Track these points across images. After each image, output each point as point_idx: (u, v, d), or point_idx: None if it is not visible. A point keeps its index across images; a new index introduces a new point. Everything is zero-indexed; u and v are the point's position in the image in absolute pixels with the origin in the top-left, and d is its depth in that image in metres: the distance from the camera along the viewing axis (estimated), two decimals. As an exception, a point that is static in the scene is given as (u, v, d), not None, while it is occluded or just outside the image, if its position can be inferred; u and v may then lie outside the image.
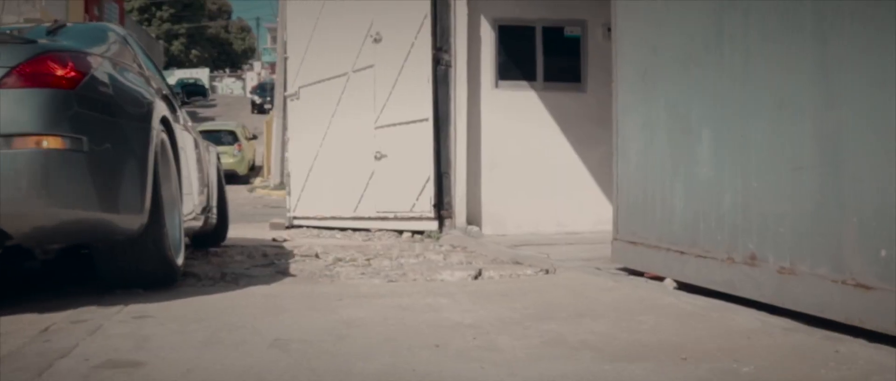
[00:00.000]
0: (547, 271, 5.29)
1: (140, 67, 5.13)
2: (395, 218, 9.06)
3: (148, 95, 4.58)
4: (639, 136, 5.04)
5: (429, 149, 8.62)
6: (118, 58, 4.60)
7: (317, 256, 6.69)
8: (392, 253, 6.97)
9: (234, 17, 71.21)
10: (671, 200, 4.58)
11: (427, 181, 8.65)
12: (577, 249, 7.14)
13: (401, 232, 9.01)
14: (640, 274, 4.96)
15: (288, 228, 10.74)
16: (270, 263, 6.18)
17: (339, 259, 6.42)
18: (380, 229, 9.28)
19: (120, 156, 4.05)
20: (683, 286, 4.45)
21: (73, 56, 3.96)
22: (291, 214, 10.86)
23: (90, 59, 4.08)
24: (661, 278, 4.68)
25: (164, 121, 4.70)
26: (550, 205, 8.93)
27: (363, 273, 5.49)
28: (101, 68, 4.15)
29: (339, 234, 9.58)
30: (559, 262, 5.76)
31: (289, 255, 6.85)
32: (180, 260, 4.77)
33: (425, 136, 8.65)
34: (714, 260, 4.04)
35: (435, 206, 8.60)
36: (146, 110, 4.42)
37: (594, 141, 9.04)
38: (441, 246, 7.61)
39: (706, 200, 4.18)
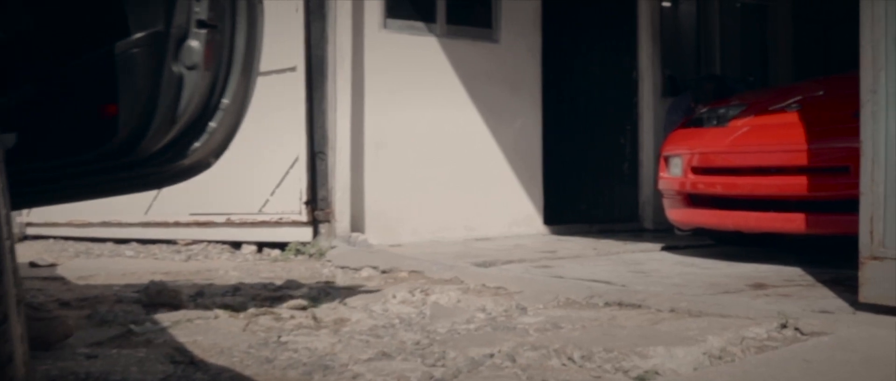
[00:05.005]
0: (784, 326, 2.62)
1: None
2: (229, 223, 5.84)
3: None
4: None
5: (298, 115, 5.55)
6: None
7: (180, 306, 3.48)
8: (308, 290, 3.94)
9: None
10: None
11: (293, 165, 5.56)
12: (583, 265, 4.49)
13: (238, 244, 5.81)
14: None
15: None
16: (124, 331, 2.96)
17: (231, 309, 3.32)
18: (196, 241, 6.02)
19: None
20: None
21: None
22: (23, 219, 7.14)
23: None
24: None
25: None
26: (456, 201, 6.20)
27: (405, 361, 2.49)
28: None
29: (126, 249, 6.15)
30: (685, 298, 3.12)
31: (118, 302, 3.62)
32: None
33: (291, 94, 5.57)
34: None
35: (307, 203, 5.53)
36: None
37: (509, 112, 6.48)
38: (360, 272, 4.59)
39: None
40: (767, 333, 2.59)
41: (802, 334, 2.60)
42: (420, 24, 6.11)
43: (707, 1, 7.80)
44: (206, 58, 2.61)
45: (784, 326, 2.66)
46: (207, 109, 2.64)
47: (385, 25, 5.93)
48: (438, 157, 6.12)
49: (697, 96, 6.25)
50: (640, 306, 3.17)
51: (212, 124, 2.69)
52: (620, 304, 3.24)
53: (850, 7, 7.73)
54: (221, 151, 2.80)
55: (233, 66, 2.70)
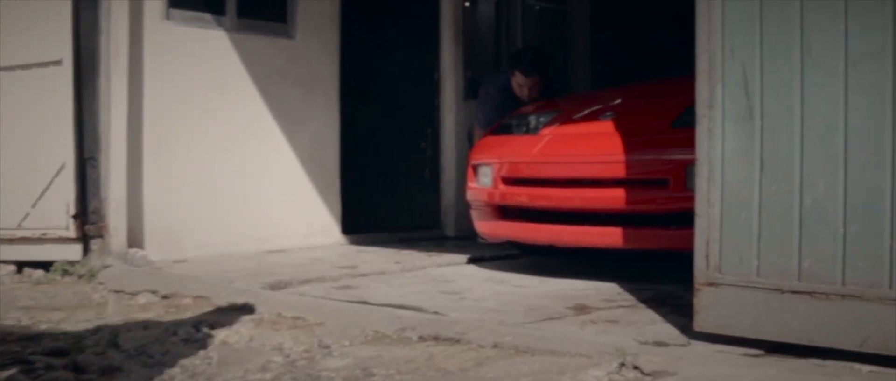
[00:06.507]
0: (623, 365, 2.36)
1: None
2: (-19, 240, 5.06)
3: None
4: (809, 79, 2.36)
5: (65, 115, 4.89)
6: None
7: None
8: (73, 324, 3.39)
9: None
10: None
11: (59, 173, 4.89)
12: (389, 285, 4.13)
13: (-8, 264, 5.05)
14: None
15: None
16: None
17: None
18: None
19: None
20: None
21: None
22: None
23: None
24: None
25: None
26: (247, 211, 5.70)
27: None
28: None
29: None
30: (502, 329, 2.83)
31: None
32: None
33: (56, 91, 4.90)
34: None
35: (76, 216, 4.87)
36: None
37: (304, 113, 6.07)
38: (137, 298, 4.02)
39: None
40: (608, 375, 2.31)
41: (645, 374, 2.34)
42: (208, 17, 5.54)
43: (508, 3, 7.64)
44: None
45: (623, 364, 2.39)
46: None
47: (168, 16, 5.32)
48: (228, 162, 5.58)
49: (516, 63, 5.78)
50: (459, 341, 2.83)
51: None
52: (437, 338, 2.89)
53: (642, 15, 7.81)
54: None
55: None
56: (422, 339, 2.90)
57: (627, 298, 3.65)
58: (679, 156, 3.78)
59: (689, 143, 3.73)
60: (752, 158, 2.60)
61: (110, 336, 2.99)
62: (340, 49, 6.22)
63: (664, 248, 3.90)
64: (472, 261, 5.18)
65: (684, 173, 3.74)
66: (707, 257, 2.69)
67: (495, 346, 2.73)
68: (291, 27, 5.96)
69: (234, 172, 5.60)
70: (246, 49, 5.68)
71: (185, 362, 2.65)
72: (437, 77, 6.98)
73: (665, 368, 2.35)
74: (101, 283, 4.46)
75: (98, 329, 3.17)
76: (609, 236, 3.99)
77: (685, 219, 3.71)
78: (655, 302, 3.49)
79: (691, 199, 3.64)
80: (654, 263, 4.53)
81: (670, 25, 7.44)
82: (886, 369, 2.30)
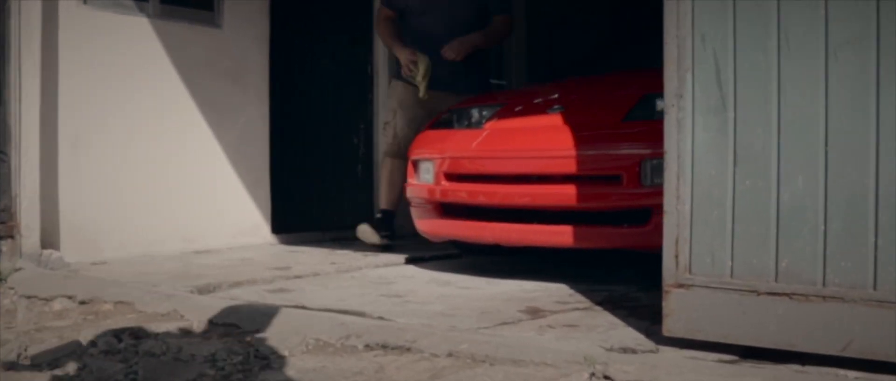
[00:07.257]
0: (593, 375, 2.18)
1: None
2: None
3: None
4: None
5: (-30, 106, 4.49)
6: None
7: None
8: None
9: None
10: None
11: (-36, 169, 4.50)
12: (327, 288, 3.89)
13: None
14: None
15: None
16: None
17: None
18: None
19: None
20: None
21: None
22: None
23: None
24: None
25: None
26: (172, 209, 5.39)
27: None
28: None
29: None
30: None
31: None
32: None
33: (-39, 81, 4.50)
34: None
35: (-17, 216, 4.50)
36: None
37: (232, 107, 5.77)
38: (52, 304, 3.70)
39: None
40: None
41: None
42: (129, 2, 5.20)
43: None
44: None
45: (593, 374, 2.20)
46: None
47: (86, 1, 4.98)
48: (151, 157, 5.26)
49: None
50: (409, 349, 2.61)
51: None
52: (385, 346, 2.66)
53: (579, 8, 7.69)
54: None
55: None
56: (368, 347, 2.67)
57: (580, 300, 3.47)
58: (632, 150, 3.63)
59: (641, 138, 3.63)
60: (725, 151, 2.44)
61: (20, 349, 2.69)
62: (271, 40, 5.94)
63: (617, 246, 3.74)
64: (410, 261, 4.96)
65: (638, 169, 3.59)
66: (676, 257, 2.52)
67: (450, 355, 2.52)
68: (219, 15, 5.65)
69: (158, 168, 5.28)
70: (170, 37, 5.36)
71: (105, 377, 2.37)
72: (371, 71, 6.75)
73: (640, 377, 2.17)
74: (11, 287, 4.11)
75: (6, 341, 2.87)
76: (559, 235, 3.81)
77: (639, 216, 3.59)
78: (611, 304, 3.32)
79: (645, 196, 3.54)
80: (598, 263, 4.38)
81: (608, 20, 7.35)
82: (871, 374, 2.16)
